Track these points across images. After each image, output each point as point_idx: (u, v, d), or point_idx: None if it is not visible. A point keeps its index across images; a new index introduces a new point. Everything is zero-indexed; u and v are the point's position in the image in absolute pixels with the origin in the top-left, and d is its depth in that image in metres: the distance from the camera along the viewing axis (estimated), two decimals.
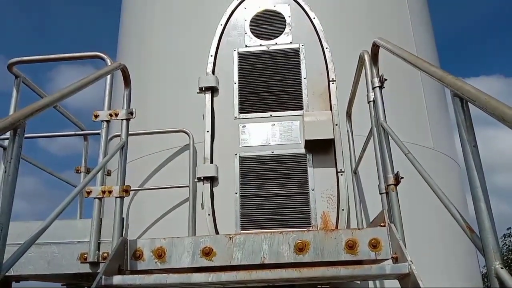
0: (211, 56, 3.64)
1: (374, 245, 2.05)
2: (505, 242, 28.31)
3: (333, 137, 3.23)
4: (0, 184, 2.33)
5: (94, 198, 2.21)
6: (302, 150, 3.33)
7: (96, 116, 2.33)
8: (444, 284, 3.09)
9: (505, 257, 24.36)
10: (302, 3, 3.75)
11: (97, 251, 2.16)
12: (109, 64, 2.47)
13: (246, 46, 3.68)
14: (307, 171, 3.27)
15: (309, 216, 3.14)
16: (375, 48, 2.27)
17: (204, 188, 3.32)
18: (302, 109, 3.40)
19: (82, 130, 3.52)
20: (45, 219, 1.56)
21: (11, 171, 1.30)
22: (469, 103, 1.22)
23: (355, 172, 3.13)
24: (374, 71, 2.30)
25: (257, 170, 3.32)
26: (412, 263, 1.77)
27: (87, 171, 3.53)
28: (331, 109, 3.36)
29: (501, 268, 1.14)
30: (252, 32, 3.71)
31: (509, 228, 27.27)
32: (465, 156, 1.22)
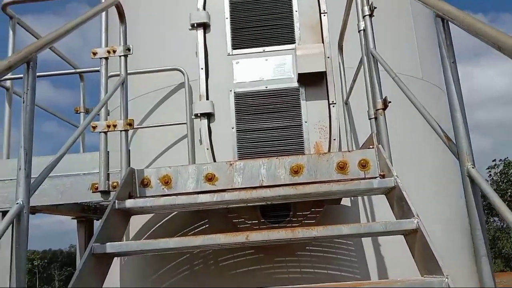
0: None
1: (363, 165, 2.23)
2: (490, 174, 29.56)
3: (325, 70, 3.32)
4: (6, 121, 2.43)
5: (100, 132, 2.33)
6: (295, 84, 3.42)
7: (95, 54, 2.39)
8: (429, 199, 3.34)
9: (494, 188, 25.51)
10: None
11: (107, 181, 2.32)
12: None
13: None
14: (300, 104, 3.40)
15: (303, 146, 3.31)
16: None
17: (201, 124, 3.44)
18: (294, 42, 3.46)
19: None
20: (56, 153, 1.68)
21: (29, 101, 1.41)
22: (449, 22, 1.32)
23: (346, 103, 3.26)
24: (364, 0, 2.35)
25: (252, 105, 3.43)
26: (398, 177, 1.95)
27: (86, 111, 3.62)
28: (323, 42, 3.42)
29: (472, 167, 1.30)
30: None
31: (494, 160, 28.37)
32: (444, 71, 1.34)
